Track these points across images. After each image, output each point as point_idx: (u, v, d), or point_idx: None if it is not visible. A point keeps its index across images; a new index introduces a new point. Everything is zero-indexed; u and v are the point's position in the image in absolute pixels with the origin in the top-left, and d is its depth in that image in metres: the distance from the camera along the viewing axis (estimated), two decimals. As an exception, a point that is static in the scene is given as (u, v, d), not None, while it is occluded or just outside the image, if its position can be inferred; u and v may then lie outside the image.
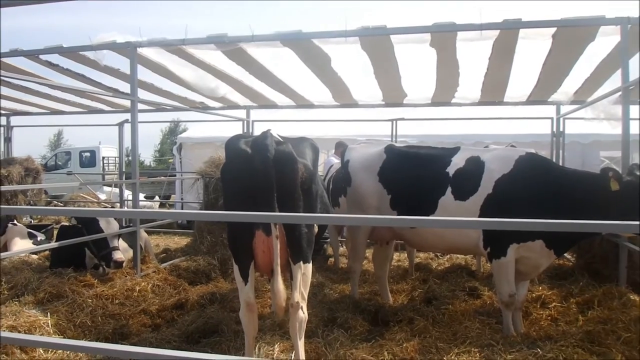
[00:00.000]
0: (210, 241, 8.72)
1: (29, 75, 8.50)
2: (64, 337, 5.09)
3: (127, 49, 7.34)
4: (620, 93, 6.41)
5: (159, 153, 57.91)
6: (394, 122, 11.06)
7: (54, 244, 7.40)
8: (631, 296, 5.62)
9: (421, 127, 13.34)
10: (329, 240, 9.64)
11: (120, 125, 11.60)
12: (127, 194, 13.78)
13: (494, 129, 13.06)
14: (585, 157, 12.60)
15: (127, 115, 10.25)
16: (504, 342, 4.67)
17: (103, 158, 23.45)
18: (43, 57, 8.14)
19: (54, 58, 8.25)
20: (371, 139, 7.59)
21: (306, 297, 4.30)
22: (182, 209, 15.26)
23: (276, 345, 4.61)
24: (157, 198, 19.08)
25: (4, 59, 8.10)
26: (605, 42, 6.68)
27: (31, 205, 11.32)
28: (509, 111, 11.38)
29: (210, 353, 4.69)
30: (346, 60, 7.87)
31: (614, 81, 7.54)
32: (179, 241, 12.15)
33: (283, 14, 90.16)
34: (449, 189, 5.51)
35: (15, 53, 7.87)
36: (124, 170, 14.26)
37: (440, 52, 7.20)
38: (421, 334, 5.12)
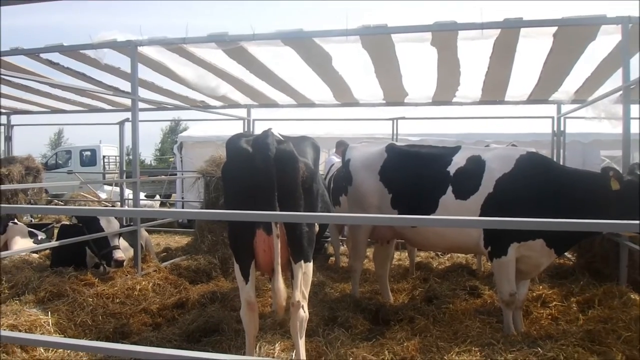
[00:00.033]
0: (211, 240, 8.71)
1: (30, 74, 8.51)
2: (65, 336, 5.09)
3: (128, 48, 7.34)
4: (621, 92, 6.41)
5: (160, 152, 57.99)
6: (395, 121, 11.05)
7: (54, 243, 7.41)
8: (632, 295, 5.61)
9: (422, 126, 13.33)
10: (329, 239, 9.64)
11: (121, 124, 11.61)
12: (128, 193, 13.79)
13: (495, 128, 13.05)
14: (586, 156, 12.60)
15: (128, 114, 10.27)
16: (504, 341, 4.67)
17: (103, 157, 23.43)
18: (44, 55, 8.14)
19: (55, 57, 8.25)
20: (371, 138, 7.59)
21: (307, 296, 4.30)
22: (182, 208, 15.25)
23: (277, 344, 4.61)
24: (157, 197, 19.07)
25: (4, 58, 8.10)
26: (606, 41, 6.67)
27: (32, 204, 11.34)
28: (510, 110, 11.39)
29: (211, 352, 4.69)
30: (347, 59, 7.87)
31: (615, 80, 7.54)
32: (179, 240, 12.16)
33: (283, 14, 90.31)
34: (450, 188, 5.51)
35: (15, 52, 7.87)
36: (124, 169, 14.27)
37: (441, 51, 7.19)
38: (422, 333, 5.12)
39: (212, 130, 15.10)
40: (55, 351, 4.66)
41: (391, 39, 6.82)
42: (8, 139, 13.45)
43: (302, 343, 4.19)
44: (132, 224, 7.62)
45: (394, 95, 10.09)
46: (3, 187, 9.53)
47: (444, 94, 9.74)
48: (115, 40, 7.39)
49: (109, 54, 7.76)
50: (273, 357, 4.44)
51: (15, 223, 8.93)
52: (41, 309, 5.54)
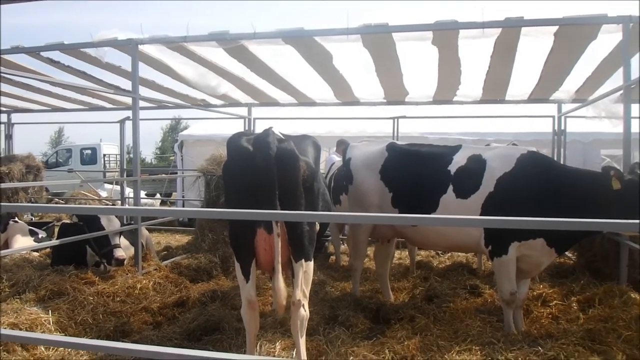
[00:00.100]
0: (212, 239, 8.72)
1: (30, 72, 8.50)
2: (65, 335, 5.09)
3: (129, 46, 7.34)
4: (621, 92, 6.41)
5: (160, 150, 57.96)
6: (396, 120, 11.06)
7: (55, 242, 7.42)
8: (632, 294, 5.61)
9: (423, 125, 13.33)
10: (330, 238, 9.64)
11: (122, 122, 11.61)
12: (128, 192, 13.79)
13: (496, 127, 13.04)
14: (587, 155, 12.59)
15: (128, 113, 10.27)
16: (505, 340, 4.67)
17: (104, 155, 23.43)
18: (44, 54, 8.14)
19: (55, 55, 8.24)
20: (372, 137, 7.59)
21: (307, 295, 4.30)
22: (183, 206, 15.25)
23: (277, 343, 4.62)
24: (158, 196, 19.06)
25: (5, 56, 8.10)
26: (607, 40, 6.66)
27: (32, 202, 11.34)
28: (511, 109, 11.39)
29: (212, 351, 4.70)
30: (348, 57, 7.86)
31: (616, 80, 7.53)
32: (180, 239, 12.17)
33: (283, 14, 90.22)
34: (451, 187, 5.51)
35: (16, 50, 7.88)
36: (125, 167, 14.27)
37: (442, 50, 7.19)
38: (422, 331, 5.12)
39: (212, 128, 15.09)
40: (56, 350, 4.67)
41: (392, 37, 6.81)
42: (8, 137, 13.46)
43: (302, 342, 4.19)
44: (132, 222, 7.63)
45: (395, 94, 10.08)
46: (3, 185, 9.54)
47: (445, 93, 9.74)
48: (116, 38, 7.39)
49: (110, 53, 7.76)
50: (274, 356, 4.44)
51: (16, 221, 8.94)
52: (42, 308, 5.54)
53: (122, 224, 7.43)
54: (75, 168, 21.40)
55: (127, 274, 6.92)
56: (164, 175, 20.98)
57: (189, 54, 7.93)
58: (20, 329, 4.89)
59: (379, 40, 6.94)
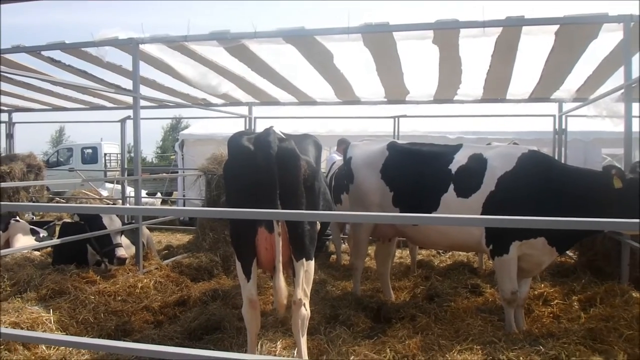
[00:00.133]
0: (213, 238, 8.72)
1: (31, 72, 8.51)
2: (67, 334, 5.10)
3: (130, 46, 7.34)
4: (622, 91, 6.40)
5: (161, 150, 58.02)
6: (397, 119, 11.06)
7: (56, 241, 7.42)
8: (633, 294, 5.61)
9: (423, 124, 13.32)
10: (331, 237, 9.64)
11: (122, 121, 11.62)
12: (129, 191, 13.79)
13: (497, 126, 13.03)
14: (588, 154, 12.57)
15: (129, 112, 10.28)
16: (506, 340, 4.66)
17: (105, 155, 23.46)
18: (45, 53, 8.15)
19: (56, 54, 8.25)
20: (373, 136, 7.58)
21: (309, 294, 4.30)
22: (184, 205, 15.26)
23: (279, 342, 4.62)
24: (159, 195, 19.08)
25: (6, 55, 8.10)
26: (608, 39, 6.66)
27: (33, 201, 11.34)
28: (512, 108, 11.38)
29: (213, 350, 4.69)
30: (348, 57, 7.86)
31: (617, 79, 7.53)
32: (181, 238, 12.16)
33: (283, 14, 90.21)
34: (452, 186, 5.50)
35: (17, 49, 7.88)
36: (126, 166, 14.28)
37: (442, 49, 7.18)
38: (423, 331, 5.12)
39: (213, 128, 15.09)
40: (57, 349, 4.67)
41: (393, 37, 6.81)
42: (10, 136, 13.47)
43: (303, 341, 4.19)
44: (133, 221, 7.63)
45: (396, 93, 10.08)
46: (5, 184, 9.54)
47: (446, 92, 9.74)
48: (117, 38, 7.39)
49: (111, 52, 7.77)
50: (275, 355, 4.44)
51: (17, 221, 8.94)
52: (43, 307, 5.55)
53: (123, 223, 7.43)
54: (76, 167, 21.44)
55: (128, 273, 6.93)
56: (164, 174, 20.99)
57: (190, 54, 7.93)
58: (22, 328, 4.89)
59: (379, 40, 6.94)
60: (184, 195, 15.45)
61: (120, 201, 13.21)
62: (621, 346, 4.47)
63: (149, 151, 56.84)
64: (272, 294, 5.91)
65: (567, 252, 7.74)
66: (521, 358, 4.22)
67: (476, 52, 7.31)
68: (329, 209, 5.10)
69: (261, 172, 3.99)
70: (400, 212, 5.72)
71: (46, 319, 5.22)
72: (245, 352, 4.42)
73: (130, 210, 9.34)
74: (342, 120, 13.60)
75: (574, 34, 6.48)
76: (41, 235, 9.12)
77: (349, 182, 6.37)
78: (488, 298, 6.42)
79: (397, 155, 6.03)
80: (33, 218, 11.95)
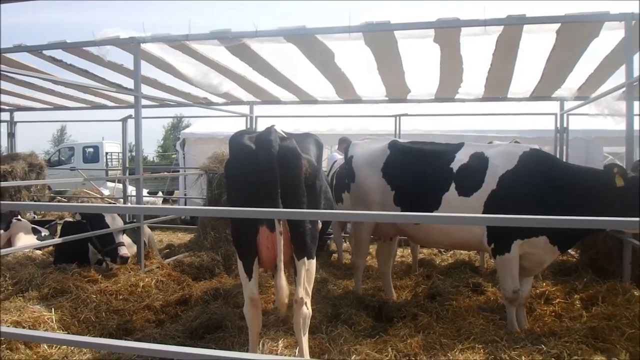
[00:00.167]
0: (214, 237, 8.72)
1: (33, 71, 8.52)
2: (68, 333, 5.11)
3: (131, 45, 7.34)
4: (624, 89, 6.40)
5: (162, 149, 58.10)
6: (398, 117, 11.05)
7: (57, 240, 7.43)
8: (635, 292, 5.59)
9: (425, 122, 13.31)
10: (332, 236, 9.64)
11: (124, 120, 11.63)
12: (131, 190, 13.81)
13: (498, 124, 13.02)
14: (589, 153, 12.55)
15: (131, 111, 10.28)
16: (507, 338, 4.66)
17: (106, 154, 23.48)
18: (46, 52, 8.15)
19: (58, 54, 8.26)
20: (374, 135, 7.58)
21: (310, 293, 4.30)
22: (185, 204, 15.27)
23: (280, 341, 4.62)
24: (160, 194, 19.09)
25: (7, 55, 8.11)
26: (609, 38, 6.65)
27: (35, 200, 11.36)
28: (513, 107, 11.37)
29: (214, 349, 4.70)
30: (350, 56, 7.86)
31: (618, 77, 7.53)
32: (182, 237, 12.17)
33: (283, 14, 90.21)
34: (453, 185, 5.50)
35: (18, 48, 7.89)
36: (127, 165, 14.29)
37: (443, 48, 7.18)
38: (425, 330, 5.12)
39: (214, 127, 15.09)
40: (59, 348, 4.68)
41: (394, 35, 6.81)
42: (11, 135, 13.50)
43: (305, 340, 4.20)
44: (135, 220, 7.63)
45: (397, 92, 10.08)
46: (6, 183, 9.55)
47: (447, 90, 9.73)
48: (118, 37, 7.39)
49: (112, 51, 7.77)
50: (276, 354, 4.44)
51: (19, 220, 8.95)
52: (45, 306, 5.56)
53: (125, 222, 7.43)
54: (77, 166, 21.46)
55: (130, 272, 6.94)
56: (166, 173, 21.01)
57: (191, 53, 7.93)
58: (23, 327, 4.90)
59: (380, 38, 6.93)
60: (185, 194, 15.44)
61: (122, 200, 13.21)
62: (623, 345, 4.47)
63: (150, 150, 56.99)
64: (274, 293, 5.92)
65: (569, 250, 7.73)
66: (523, 357, 4.22)
67: (477, 51, 7.30)
68: (330, 208, 5.10)
69: (262, 171, 3.99)
70: (402, 211, 5.71)
71: (48, 318, 5.24)
72: (247, 351, 4.43)
73: (132, 209, 9.35)
74: (343, 119, 13.61)
75: (575, 32, 6.47)
76: (43, 234, 9.13)
77: (350, 181, 6.37)
78: (490, 297, 6.42)
79: (399, 154, 6.02)
80: (35, 217, 11.96)
